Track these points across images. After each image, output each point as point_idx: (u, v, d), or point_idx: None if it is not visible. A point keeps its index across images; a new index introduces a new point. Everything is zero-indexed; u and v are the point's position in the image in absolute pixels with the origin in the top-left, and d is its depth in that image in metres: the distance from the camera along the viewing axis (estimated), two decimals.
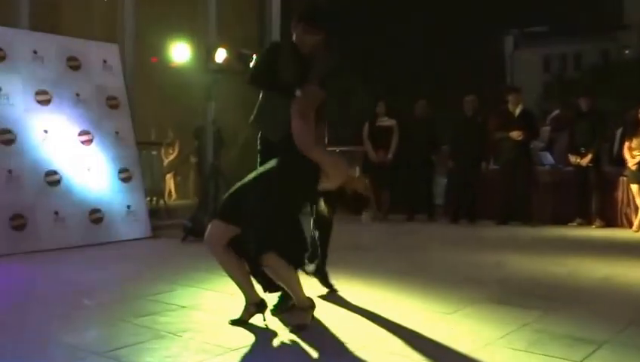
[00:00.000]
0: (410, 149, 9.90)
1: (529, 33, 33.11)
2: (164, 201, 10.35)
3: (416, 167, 9.93)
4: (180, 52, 9.61)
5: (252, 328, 3.75)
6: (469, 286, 5.00)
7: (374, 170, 9.71)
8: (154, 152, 10.03)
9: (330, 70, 4.16)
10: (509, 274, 5.64)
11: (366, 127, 10.04)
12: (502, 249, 7.11)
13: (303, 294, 3.70)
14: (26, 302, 4.58)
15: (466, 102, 9.84)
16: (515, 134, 9.26)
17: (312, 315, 3.75)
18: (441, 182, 10.62)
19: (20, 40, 7.35)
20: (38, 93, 7.31)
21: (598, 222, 9.13)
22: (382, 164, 9.79)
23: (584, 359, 3.22)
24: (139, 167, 8.12)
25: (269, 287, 3.85)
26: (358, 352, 3.33)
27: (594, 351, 3.33)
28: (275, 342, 3.54)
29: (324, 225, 4.56)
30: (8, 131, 6.95)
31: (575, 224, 9.27)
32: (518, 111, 9.51)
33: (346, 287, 4.83)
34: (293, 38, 4.07)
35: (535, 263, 6.18)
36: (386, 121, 9.97)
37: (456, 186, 9.88)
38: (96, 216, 7.45)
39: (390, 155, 9.82)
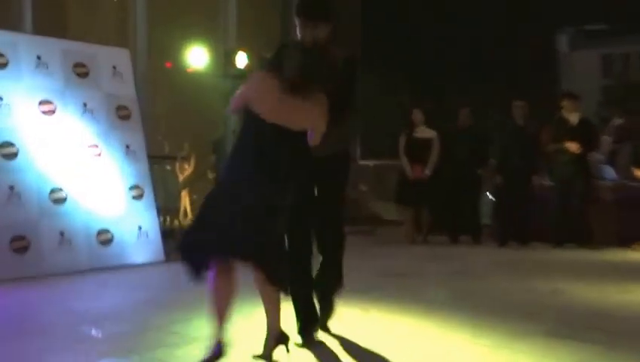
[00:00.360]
0: (453, 163, 9.87)
1: (586, 31, 32.88)
2: (179, 221, 10.40)
3: (459, 183, 9.89)
4: (197, 56, 9.71)
5: None
6: (521, 317, 4.95)
7: (412, 187, 9.71)
8: (168, 167, 10.11)
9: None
10: (567, 303, 5.57)
11: (402, 139, 9.97)
12: (558, 275, 7.03)
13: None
14: (26, 333, 4.62)
15: (515, 108, 9.75)
16: (573, 147, 9.12)
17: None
18: (488, 200, 10.58)
19: (23, 45, 7.49)
20: (42, 103, 7.43)
21: None
22: (420, 180, 9.74)
23: None
24: (151, 183, 8.21)
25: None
26: None
27: None
28: None
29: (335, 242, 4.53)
30: (10, 144, 7.07)
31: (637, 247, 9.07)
32: (575, 119, 9.37)
33: (381, 318, 4.82)
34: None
35: (596, 291, 6.09)
36: (424, 132, 9.91)
37: (505, 204, 9.79)
38: (104, 237, 7.54)
39: (428, 171, 9.75)
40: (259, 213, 3.54)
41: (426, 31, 14.63)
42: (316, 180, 4.27)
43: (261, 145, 3.58)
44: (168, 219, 10.10)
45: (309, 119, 3.72)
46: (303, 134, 3.74)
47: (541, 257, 8.54)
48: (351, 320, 4.68)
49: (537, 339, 4.29)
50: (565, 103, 9.47)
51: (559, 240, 9.28)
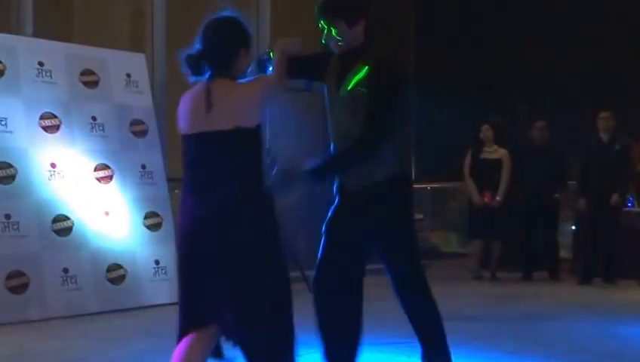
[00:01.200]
0: (526, 187, 9.85)
1: None
2: None
3: (534, 209, 9.88)
4: None
5: None
6: None
7: (479, 215, 9.74)
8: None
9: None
10: None
11: (467, 160, 10.00)
12: None
13: None
14: None
15: (600, 120, 9.64)
16: None
17: None
18: (567, 230, 10.50)
19: (23, 49, 7.55)
20: (43, 118, 7.46)
21: None
22: (489, 207, 9.71)
23: None
24: (171, 210, 8.14)
25: None
26: None
27: None
28: None
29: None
30: (8, 166, 7.10)
31: None
32: None
33: None
34: None
35: None
36: (493, 152, 9.90)
37: (589, 234, 9.69)
38: (116, 274, 7.55)
39: (499, 197, 9.71)
40: None
41: (490, 29, 14.47)
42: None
43: None
44: None
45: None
46: None
47: (630, 298, 8.49)
48: None
49: None
50: None
51: None
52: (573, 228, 10.37)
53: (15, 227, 6.97)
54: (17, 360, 5.50)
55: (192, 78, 3.48)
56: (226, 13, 3.66)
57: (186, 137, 3.47)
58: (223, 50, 3.43)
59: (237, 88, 3.41)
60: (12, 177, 7.06)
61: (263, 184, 3.40)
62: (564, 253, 10.35)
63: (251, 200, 3.35)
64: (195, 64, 3.41)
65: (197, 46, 3.44)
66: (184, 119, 3.48)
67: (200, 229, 3.36)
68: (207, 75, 3.41)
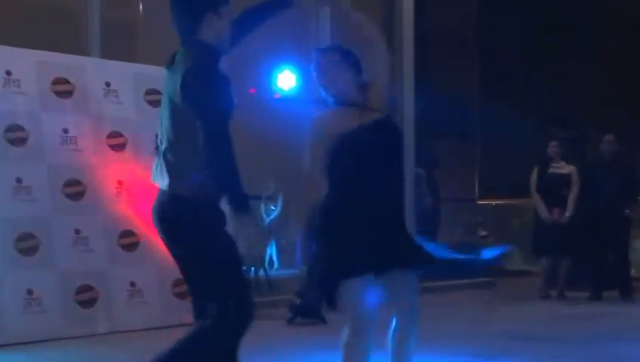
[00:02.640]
0: (596, 202, 9.79)
1: None
2: (265, 271, 10.53)
3: (604, 226, 9.79)
4: (285, 80, 9.91)
5: None
6: None
7: (547, 231, 9.73)
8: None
9: None
10: None
11: (534, 175, 10.02)
12: None
13: None
14: None
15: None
16: None
17: None
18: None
19: (91, 70, 7.86)
20: (110, 136, 7.76)
21: None
22: (558, 224, 9.71)
23: None
24: (231, 227, 8.29)
25: None
26: None
27: None
28: None
29: None
30: (77, 183, 7.42)
31: None
32: None
33: None
34: None
35: None
36: (561, 168, 9.92)
37: None
38: (181, 289, 7.57)
39: (569, 213, 9.71)
40: None
41: (554, 44, 14.42)
42: None
43: None
44: (252, 269, 10.23)
45: None
46: None
47: None
48: None
49: None
50: None
51: None
52: None
53: (84, 242, 7.23)
54: None
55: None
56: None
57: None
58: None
59: None
60: (81, 194, 7.34)
61: None
62: (635, 272, 10.25)
63: None
64: None
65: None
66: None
67: None
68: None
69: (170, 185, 3.76)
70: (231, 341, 3.85)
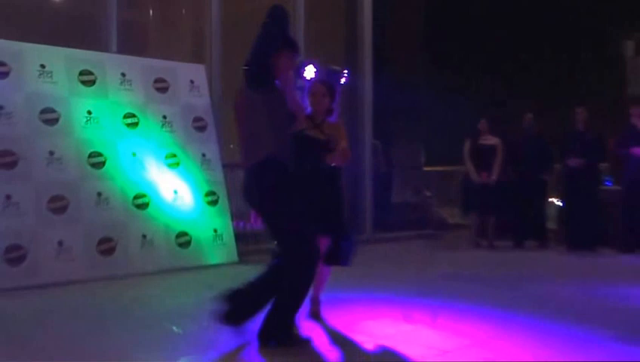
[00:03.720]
0: (518, 169, 9.86)
1: None
2: (251, 226, 10.64)
3: (524, 187, 9.86)
4: None
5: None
6: (590, 323, 4.88)
7: (478, 192, 9.74)
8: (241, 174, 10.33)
9: None
10: (636, 309, 5.45)
11: (467, 146, 10.01)
12: (626, 281, 6.85)
13: None
14: (116, 327, 4.90)
15: (576, 114, 9.67)
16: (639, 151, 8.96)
17: None
18: (554, 205, 10.42)
19: (109, 63, 7.93)
20: (126, 116, 7.84)
21: None
22: (485, 185, 9.74)
23: None
24: (225, 189, 8.44)
25: None
26: None
27: None
28: None
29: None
30: (98, 154, 7.51)
31: None
32: None
33: (445, 323, 4.91)
34: None
35: None
36: (489, 140, 9.92)
37: (571, 209, 9.69)
38: (183, 239, 7.86)
39: (494, 177, 9.74)
40: None
41: (485, 35, 14.49)
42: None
43: None
44: (242, 223, 10.32)
45: None
46: None
47: (608, 262, 8.38)
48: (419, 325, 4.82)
49: (607, 345, 4.25)
50: (635, 110, 9.29)
51: (628, 246, 9.08)
52: (559, 203, 10.25)
53: (105, 202, 7.32)
54: (110, 307, 5.74)
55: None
56: None
57: None
58: None
59: None
60: (102, 163, 7.43)
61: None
62: (550, 224, 10.16)
63: None
64: None
65: None
66: None
67: None
68: None
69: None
70: (300, 275, 4.20)
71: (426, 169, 13.74)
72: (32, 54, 7.33)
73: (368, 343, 4.36)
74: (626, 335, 4.49)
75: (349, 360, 4.05)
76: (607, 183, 10.25)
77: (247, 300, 4.32)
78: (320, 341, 4.35)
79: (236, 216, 8.56)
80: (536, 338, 4.48)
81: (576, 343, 4.32)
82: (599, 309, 5.44)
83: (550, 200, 10.49)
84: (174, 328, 4.80)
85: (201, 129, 8.47)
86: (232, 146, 11.18)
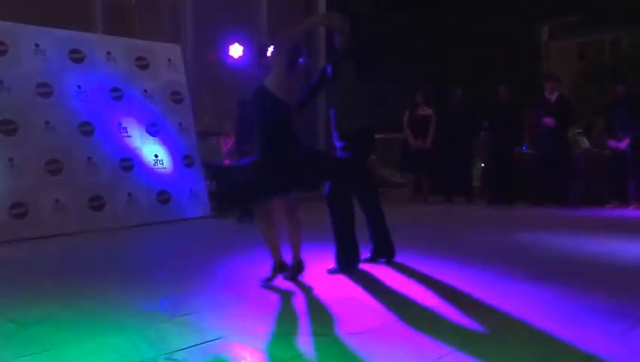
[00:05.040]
0: (449, 135, 9.85)
1: (564, 23, 31.96)
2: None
3: (454, 151, 9.83)
4: (235, 50, 9.91)
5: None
6: (505, 263, 4.87)
7: (414, 155, 9.79)
8: (213, 141, 10.34)
9: None
10: (546, 252, 5.45)
11: (406, 116, 10.01)
12: (538, 229, 6.86)
13: None
14: (106, 272, 4.87)
15: (500, 90, 9.74)
16: (550, 121, 9.15)
17: None
18: (479, 166, 10.49)
19: (96, 43, 7.81)
20: (112, 90, 7.73)
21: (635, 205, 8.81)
22: (420, 150, 9.80)
23: (625, 333, 3.13)
24: (199, 154, 8.42)
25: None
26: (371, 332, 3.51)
27: (634, 327, 3.21)
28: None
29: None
30: (88, 124, 7.42)
31: (612, 206, 8.93)
32: (554, 98, 9.29)
33: (385, 263, 4.95)
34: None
35: (571, 242, 5.94)
36: (424, 111, 9.95)
37: (494, 170, 9.79)
38: (163, 196, 7.85)
39: (428, 142, 9.80)
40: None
41: (419, 20, 14.54)
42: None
43: None
44: (213, 183, 10.34)
45: None
46: None
47: (524, 214, 8.44)
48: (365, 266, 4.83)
49: (520, 281, 4.27)
50: (547, 84, 9.38)
51: (540, 201, 9.23)
52: (483, 165, 10.40)
53: (95, 165, 7.28)
54: (104, 255, 5.73)
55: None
56: None
57: None
58: None
59: None
60: (92, 132, 7.36)
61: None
62: (475, 182, 10.24)
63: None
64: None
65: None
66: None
67: None
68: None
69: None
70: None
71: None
72: (28, 34, 7.16)
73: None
74: (535, 273, 4.55)
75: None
76: (523, 148, 10.23)
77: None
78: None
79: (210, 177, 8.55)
80: (457, 275, 4.48)
81: (492, 279, 4.38)
82: (512, 252, 5.48)
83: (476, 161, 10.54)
84: (158, 272, 4.77)
85: (178, 101, 8.39)
86: (206, 117, 11.16)
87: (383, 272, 4.64)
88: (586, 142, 10.34)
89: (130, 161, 7.67)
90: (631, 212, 8.55)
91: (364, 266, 4.80)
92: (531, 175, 9.43)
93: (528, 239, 6.18)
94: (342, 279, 4.43)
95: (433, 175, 10.10)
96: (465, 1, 15.36)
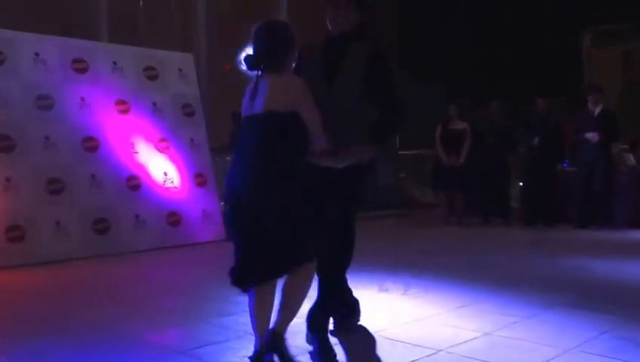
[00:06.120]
0: (484, 152, 9.78)
1: (607, 30, 31.71)
2: None
3: (490, 169, 9.79)
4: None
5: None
6: (546, 290, 4.90)
7: (447, 173, 9.71)
8: (227, 158, 10.27)
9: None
10: (588, 278, 5.47)
11: (438, 130, 9.94)
12: (580, 253, 6.89)
13: None
14: (111, 302, 4.81)
15: (538, 104, 9.67)
16: (593, 136, 8.98)
17: None
18: (517, 185, 10.38)
19: (101, 52, 7.76)
20: (118, 103, 7.68)
21: None
22: (454, 167, 9.68)
23: None
24: (213, 171, 8.34)
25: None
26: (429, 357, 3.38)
27: None
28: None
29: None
30: (92, 139, 7.35)
31: None
32: (597, 111, 9.19)
33: (417, 293, 4.89)
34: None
35: (615, 268, 5.95)
36: (458, 125, 9.85)
37: (532, 189, 9.68)
38: (173, 219, 7.76)
39: (462, 159, 9.69)
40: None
41: (458, 29, 14.52)
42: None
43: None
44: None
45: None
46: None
47: (565, 236, 8.38)
48: (395, 296, 4.78)
49: (561, 310, 4.27)
50: (590, 97, 9.26)
51: (583, 222, 9.09)
52: (521, 184, 10.20)
53: (99, 184, 7.18)
54: (106, 283, 5.66)
55: (251, 73, 3.20)
56: (275, 19, 3.57)
57: (243, 119, 3.24)
58: (275, 50, 3.17)
59: (277, 80, 3.14)
60: (96, 147, 7.27)
61: (294, 158, 3.14)
62: (514, 203, 10.18)
63: (275, 171, 3.07)
64: (252, 62, 3.16)
65: (253, 47, 3.17)
66: (243, 106, 3.24)
67: (242, 192, 3.11)
68: (259, 72, 3.16)
69: None
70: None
71: (401, 152, 13.65)
72: (26, 43, 7.13)
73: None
74: (577, 301, 4.53)
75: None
76: (564, 165, 10.13)
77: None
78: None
79: (224, 196, 8.43)
80: (496, 302, 4.50)
81: (532, 307, 4.34)
82: (553, 277, 5.48)
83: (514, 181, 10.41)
84: (166, 301, 4.72)
85: (190, 115, 8.33)
86: (219, 132, 11.07)
87: (411, 304, 4.55)
88: (631, 159, 10.22)
89: (138, 180, 7.59)
90: None
91: (391, 300, 4.70)
92: (573, 194, 9.35)
93: (572, 265, 6.17)
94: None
95: (468, 194, 10.01)
96: (499, 6, 15.27)
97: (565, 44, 15.16)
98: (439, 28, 14.78)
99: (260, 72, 3.19)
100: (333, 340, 3.57)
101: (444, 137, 9.85)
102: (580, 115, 9.42)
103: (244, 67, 3.25)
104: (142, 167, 7.66)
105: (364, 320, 3.95)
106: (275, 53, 3.19)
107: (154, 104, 7.96)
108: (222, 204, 8.36)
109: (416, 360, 3.32)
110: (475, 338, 3.67)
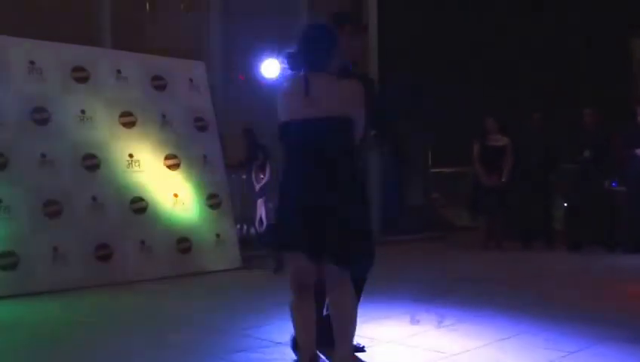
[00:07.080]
0: (525, 169, 9.69)
1: None
2: (255, 229, 10.33)
3: (531, 188, 9.72)
4: (269, 68, 9.63)
5: None
6: (595, 322, 4.81)
7: (486, 194, 9.60)
8: (244, 176, 10.09)
9: None
10: None
11: (476, 147, 9.82)
12: (631, 281, 6.82)
13: None
14: (110, 336, 4.74)
15: (585, 115, 9.51)
16: None
17: None
18: (560, 205, 10.29)
19: (104, 60, 7.65)
20: (122, 116, 7.55)
21: None
22: (495, 187, 9.58)
23: None
24: (228, 192, 8.21)
25: None
26: None
27: None
28: None
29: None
30: (92, 156, 7.21)
31: None
32: None
33: (452, 325, 4.79)
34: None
35: None
36: (498, 140, 9.73)
37: (577, 209, 9.54)
38: (184, 245, 7.61)
39: (504, 179, 9.59)
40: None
41: (493, 38, 14.51)
42: None
43: None
44: (245, 227, 10.03)
45: None
46: None
47: (613, 262, 8.28)
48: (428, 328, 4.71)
49: (611, 344, 4.21)
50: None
51: (634, 246, 8.87)
52: (565, 204, 10.11)
53: (100, 207, 7.04)
54: (109, 315, 5.60)
55: (291, 73, 3.59)
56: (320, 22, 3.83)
57: (286, 123, 3.46)
58: (320, 49, 3.47)
59: (343, 85, 3.42)
60: (97, 166, 7.15)
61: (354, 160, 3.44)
62: (558, 225, 10.05)
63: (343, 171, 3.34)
64: (294, 61, 3.48)
65: (297, 47, 3.47)
66: (285, 107, 3.49)
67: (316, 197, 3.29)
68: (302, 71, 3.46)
69: None
70: None
71: (434, 170, 13.54)
72: (21, 49, 7.02)
73: (373, 346, 4.21)
74: (633, 336, 4.44)
75: None
76: (613, 185, 9.91)
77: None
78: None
79: (240, 219, 8.29)
80: (544, 335, 4.44)
81: (584, 341, 4.28)
82: (604, 308, 5.38)
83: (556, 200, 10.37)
84: (174, 335, 4.62)
85: (202, 129, 8.20)
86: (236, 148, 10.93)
87: (446, 337, 4.48)
88: None
89: (144, 202, 7.45)
90: None
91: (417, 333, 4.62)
92: (622, 216, 9.20)
93: (618, 292, 6.15)
94: None
95: (508, 217, 9.97)
96: (541, 10, 15.11)
97: (615, 51, 14.92)
98: (473, 37, 14.70)
99: (302, 72, 3.49)
100: None
101: (483, 154, 9.77)
102: (628, 128, 9.26)
103: (285, 66, 3.62)
104: (148, 188, 7.52)
105: (390, 356, 3.93)
106: (320, 54, 3.48)
107: (163, 117, 7.85)
108: (238, 227, 8.19)
109: None
110: None
